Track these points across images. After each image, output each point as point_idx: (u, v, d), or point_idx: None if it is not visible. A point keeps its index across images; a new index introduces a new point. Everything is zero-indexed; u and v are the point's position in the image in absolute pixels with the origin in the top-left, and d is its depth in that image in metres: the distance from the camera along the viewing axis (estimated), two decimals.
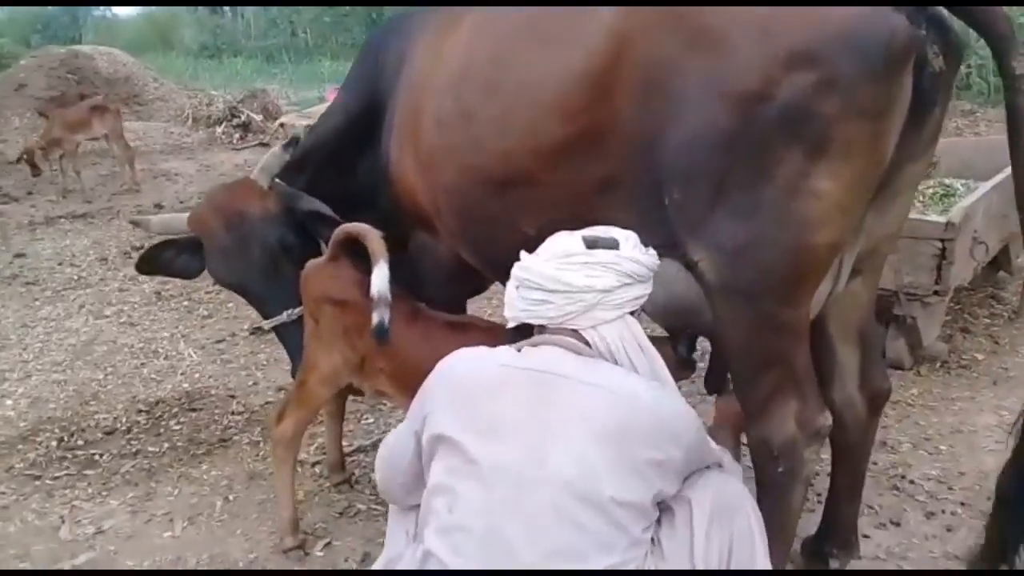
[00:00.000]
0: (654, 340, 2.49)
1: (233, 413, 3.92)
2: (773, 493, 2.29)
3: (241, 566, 2.84)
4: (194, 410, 3.96)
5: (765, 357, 2.20)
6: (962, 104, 10.91)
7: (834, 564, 2.65)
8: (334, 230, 2.74)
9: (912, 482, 3.27)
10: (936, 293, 3.92)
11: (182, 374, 4.38)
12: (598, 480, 1.74)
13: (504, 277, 2.90)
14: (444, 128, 2.56)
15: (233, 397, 4.08)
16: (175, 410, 3.96)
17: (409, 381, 2.61)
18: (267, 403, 4.03)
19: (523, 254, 2.04)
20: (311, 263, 2.74)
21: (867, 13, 1.88)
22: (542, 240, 2.43)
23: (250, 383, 4.24)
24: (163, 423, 3.85)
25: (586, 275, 1.90)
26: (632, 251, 1.96)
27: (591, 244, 1.97)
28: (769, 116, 1.92)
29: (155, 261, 3.07)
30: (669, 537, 1.89)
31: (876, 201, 2.21)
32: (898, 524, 3.01)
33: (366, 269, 2.58)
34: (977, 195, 4.09)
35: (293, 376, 2.93)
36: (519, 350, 1.97)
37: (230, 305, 5.26)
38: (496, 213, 2.50)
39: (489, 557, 1.75)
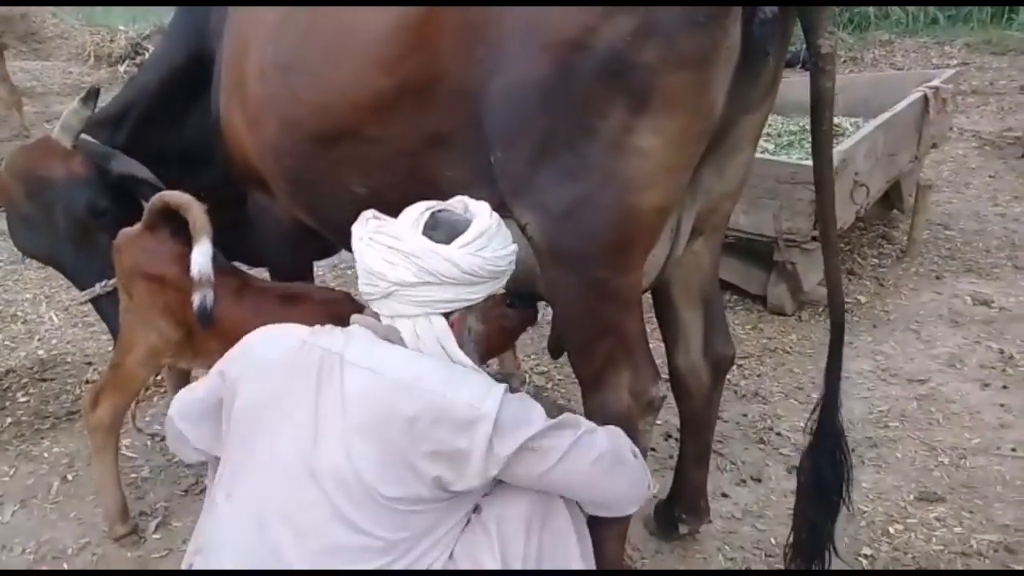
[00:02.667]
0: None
1: (87, 382, 3.69)
2: None
3: (71, 553, 2.67)
4: (45, 380, 3.73)
5: (596, 326, 2.09)
6: (880, 34, 10.89)
7: (683, 529, 2.59)
8: (153, 192, 2.54)
9: (779, 434, 3.23)
10: (814, 239, 3.85)
11: (39, 339, 4.12)
12: (363, 473, 1.61)
13: (343, 240, 2.74)
14: (267, 79, 2.38)
15: (90, 364, 3.86)
16: (24, 381, 3.72)
17: None
18: None
19: (364, 214, 1.84)
20: (124, 232, 2.50)
21: None
22: (374, 201, 2.28)
23: (110, 348, 3.98)
24: (10, 395, 3.61)
25: (383, 259, 1.71)
26: (455, 249, 1.68)
27: (430, 227, 1.73)
28: (588, 67, 1.78)
29: None
30: (470, 543, 1.76)
31: (713, 157, 2.10)
32: (759, 480, 2.97)
33: (186, 240, 2.39)
34: (857, 137, 4.00)
35: None
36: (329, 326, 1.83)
37: None
38: (323, 172, 2.34)
39: (255, 556, 1.65)
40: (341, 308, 2.40)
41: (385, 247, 1.71)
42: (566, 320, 2.17)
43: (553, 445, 1.69)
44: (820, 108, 1.99)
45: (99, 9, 18.79)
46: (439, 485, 1.64)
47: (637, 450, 1.90)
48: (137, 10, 18.80)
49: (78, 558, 2.66)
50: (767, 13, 1.87)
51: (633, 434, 2.14)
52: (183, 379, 3.05)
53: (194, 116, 2.84)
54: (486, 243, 1.74)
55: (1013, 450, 3.05)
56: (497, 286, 1.81)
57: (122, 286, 2.48)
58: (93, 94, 2.70)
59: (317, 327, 1.82)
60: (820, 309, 4.15)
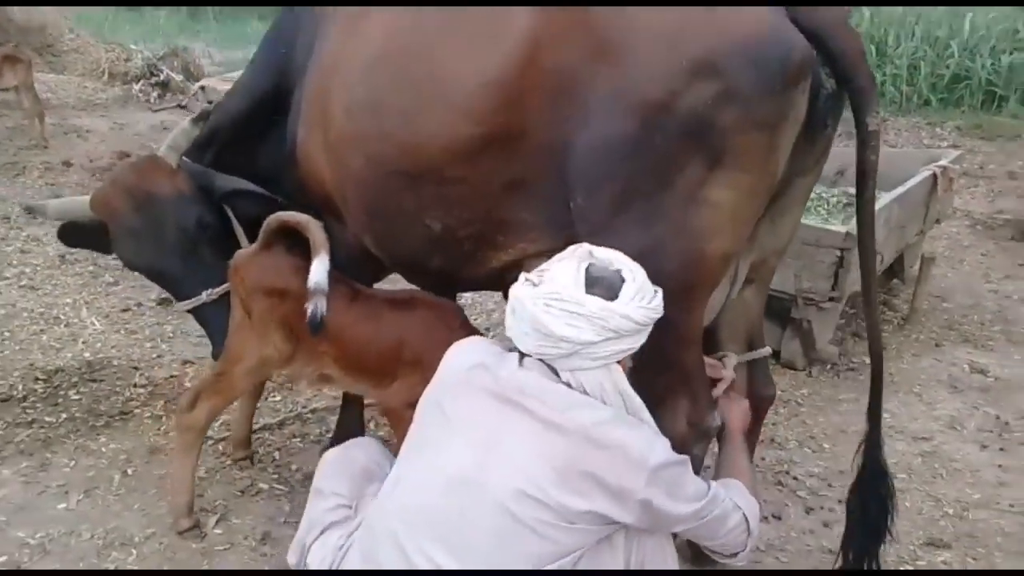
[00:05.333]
0: None
1: (136, 385, 3.86)
2: None
3: (137, 541, 2.83)
4: (95, 381, 3.89)
5: (659, 359, 2.27)
6: None
7: (716, 558, 2.77)
8: (263, 206, 2.71)
9: (795, 478, 3.45)
10: (832, 299, 4.12)
11: (83, 343, 4.28)
12: (539, 485, 1.80)
13: (404, 270, 2.93)
14: (354, 116, 2.55)
15: (136, 369, 4.02)
16: (74, 380, 3.87)
17: (354, 362, 2.64)
18: (171, 376, 3.98)
19: (523, 276, 1.97)
20: (241, 252, 2.71)
21: (768, 29, 1.97)
22: (446, 236, 2.48)
23: (155, 355, 4.18)
24: (61, 392, 3.77)
25: (567, 323, 1.82)
26: (627, 304, 1.85)
27: (591, 283, 1.87)
28: (671, 126, 2.01)
29: (73, 235, 2.99)
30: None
31: (769, 214, 2.33)
32: (779, 518, 3.18)
33: (300, 255, 2.58)
34: (876, 208, 4.26)
35: (216, 359, 2.87)
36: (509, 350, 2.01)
37: (137, 273, 5.12)
38: (402, 205, 2.52)
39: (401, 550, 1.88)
40: (450, 316, 2.59)
41: (567, 312, 1.82)
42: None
43: (697, 515, 1.92)
44: (865, 178, 2.23)
45: (108, 26, 19.03)
46: (595, 510, 1.82)
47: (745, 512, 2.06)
48: (151, 30, 19.10)
49: (145, 545, 2.82)
50: (828, 87, 2.14)
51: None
52: (258, 386, 3.22)
53: (268, 144, 3.02)
54: (644, 293, 1.89)
55: (1011, 506, 3.28)
56: (649, 329, 1.94)
57: (240, 303, 2.66)
58: (204, 116, 2.91)
59: (496, 351, 2.02)
60: (828, 366, 4.40)
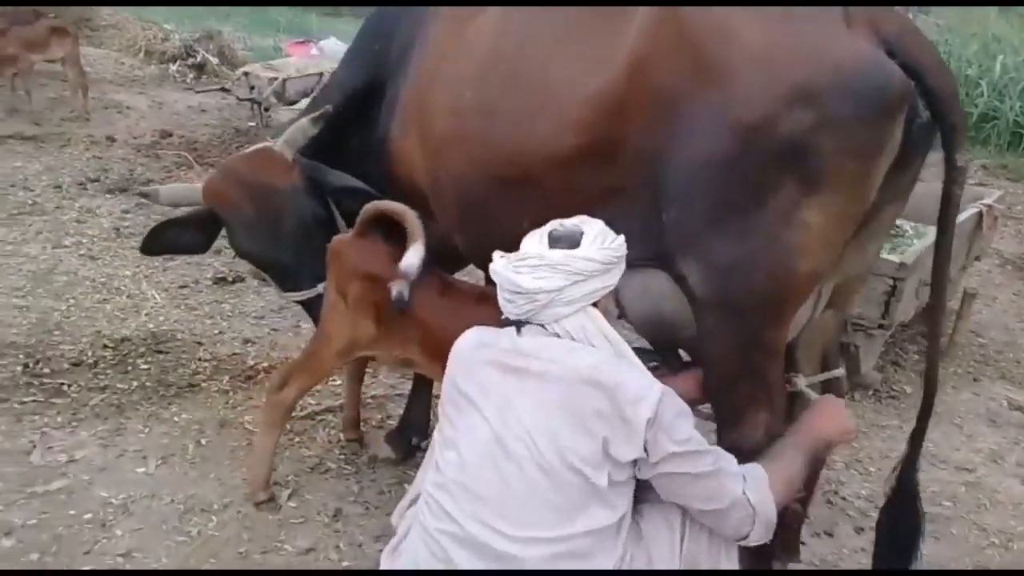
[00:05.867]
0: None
1: (200, 359, 3.96)
2: None
3: (216, 509, 2.93)
4: (161, 352, 3.98)
5: (743, 369, 2.35)
6: None
7: (776, 564, 2.86)
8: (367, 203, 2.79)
9: (844, 498, 3.53)
10: (881, 326, 4.19)
11: (146, 315, 4.38)
12: (553, 436, 1.93)
13: (486, 267, 3.01)
14: (460, 117, 2.61)
15: (200, 344, 4.12)
16: (142, 350, 3.97)
17: (439, 350, 2.69)
18: (234, 353, 4.08)
19: (495, 255, 2.11)
20: (340, 237, 2.78)
21: (867, 59, 2.04)
22: None
23: (216, 332, 4.28)
24: (130, 361, 3.87)
25: (535, 278, 1.99)
26: (588, 248, 2.01)
27: (554, 241, 2.05)
28: (768, 148, 2.07)
29: (161, 240, 3.01)
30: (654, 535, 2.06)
31: (856, 239, 2.39)
32: (831, 535, 3.26)
33: (394, 244, 2.65)
34: (929, 240, 4.37)
35: None
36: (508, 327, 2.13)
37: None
38: (499, 207, 2.58)
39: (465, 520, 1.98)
40: None
41: (533, 267, 2.00)
42: (717, 364, 2.43)
43: (692, 457, 1.98)
44: (948, 211, 2.30)
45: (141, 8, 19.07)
46: (605, 447, 1.92)
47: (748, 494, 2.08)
48: (180, 11, 19.11)
49: (225, 513, 2.92)
50: (924, 118, 2.21)
51: None
52: (360, 367, 3.34)
53: (358, 139, 3.10)
54: (604, 237, 2.06)
55: None
56: (621, 270, 2.09)
57: (337, 286, 2.72)
58: (324, 116, 2.97)
59: (494, 329, 2.15)
60: (871, 392, 4.48)
